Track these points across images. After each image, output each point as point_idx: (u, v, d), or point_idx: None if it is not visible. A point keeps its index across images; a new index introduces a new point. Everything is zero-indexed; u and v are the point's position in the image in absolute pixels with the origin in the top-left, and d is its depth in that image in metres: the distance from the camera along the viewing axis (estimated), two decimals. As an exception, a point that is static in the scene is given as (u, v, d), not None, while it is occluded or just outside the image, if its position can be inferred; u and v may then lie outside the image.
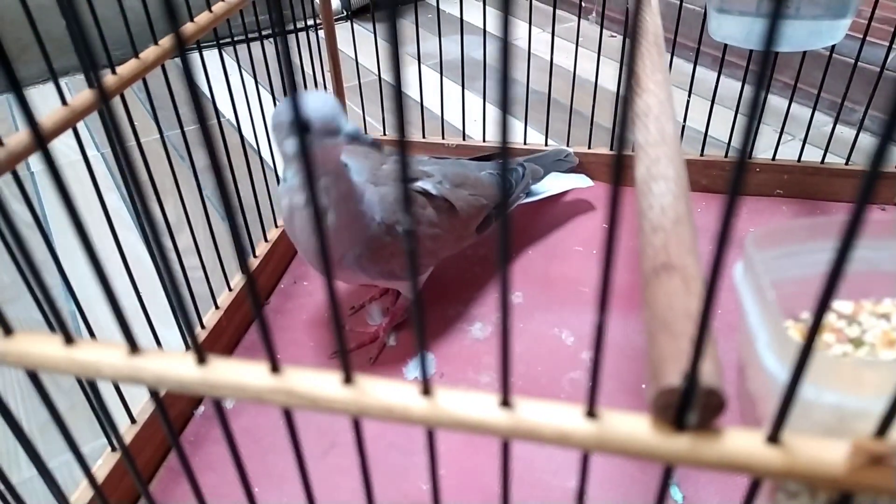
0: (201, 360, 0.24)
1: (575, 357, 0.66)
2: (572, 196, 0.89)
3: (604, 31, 0.91)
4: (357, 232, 0.58)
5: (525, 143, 0.95)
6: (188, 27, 0.57)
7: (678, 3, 0.82)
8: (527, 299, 0.73)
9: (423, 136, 0.97)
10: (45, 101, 1.23)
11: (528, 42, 0.88)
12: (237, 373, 0.24)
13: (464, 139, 0.96)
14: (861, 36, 0.77)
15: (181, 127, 0.58)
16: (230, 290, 0.69)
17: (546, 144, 0.93)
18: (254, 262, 0.72)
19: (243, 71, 0.65)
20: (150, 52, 0.52)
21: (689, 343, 0.22)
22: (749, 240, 0.39)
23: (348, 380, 0.23)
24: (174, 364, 0.24)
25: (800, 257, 0.41)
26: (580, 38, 0.87)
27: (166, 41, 0.53)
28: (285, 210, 0.58)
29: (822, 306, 0.19)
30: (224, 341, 0.67)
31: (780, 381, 0.34)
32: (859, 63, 0.79)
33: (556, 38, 0.86)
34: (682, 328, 0.23)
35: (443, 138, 0.95)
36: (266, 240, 0.75)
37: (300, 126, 0.18)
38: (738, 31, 0.75)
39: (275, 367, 0.24)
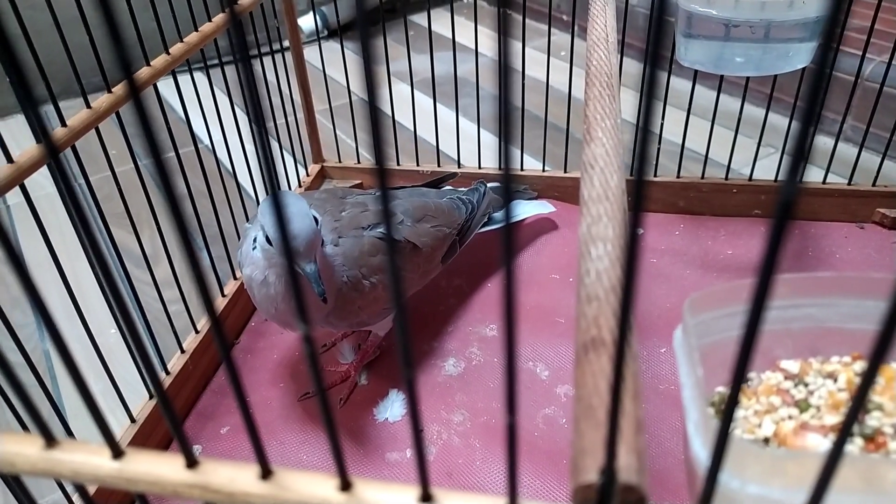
0: (117, 454, 0.24)
1: (550, 392, 0.65)
2: (551, 222, 0.89)
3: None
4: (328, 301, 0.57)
5: (522, 169, 0.93)
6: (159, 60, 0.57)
7: (648, 13, 0.82)
8: (501, 332, 0.73)
9: (398, 164, 0.97)
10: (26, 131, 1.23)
11: (521, 61, 0.86)
12: (153, 467, 0.23)
13: (438, 165, 0.95)
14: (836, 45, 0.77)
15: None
16: (196, 332, 0.67)
17: (543, 170, 0.92)
18: (222, 302, 0.71)
19: (221, 94, 0.64)
20: (102, 101, 0.52)
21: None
22: (687, 305, 0.38)
23: (266, 475, 0.23)
24: (90, 458, 0.24)
25: (742, 316, 0.40)
26: (575, 58, 0.86)
27: (120, 88, 0.53)
28: (257, 274, 0.55)
29: (733, 400, 0.19)
30: (192, 384, 0.66)
31: (703, 467, 0.34)
32: (836, 73, 0.79)
33: (551, 57, 0.85)
34: (605, 415, 0.22)
35: (417, 164, 0.95)
36: (235, 277, 0.74)
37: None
38: (707, 57, 0.75)
39: (190, 462, 0.23)
